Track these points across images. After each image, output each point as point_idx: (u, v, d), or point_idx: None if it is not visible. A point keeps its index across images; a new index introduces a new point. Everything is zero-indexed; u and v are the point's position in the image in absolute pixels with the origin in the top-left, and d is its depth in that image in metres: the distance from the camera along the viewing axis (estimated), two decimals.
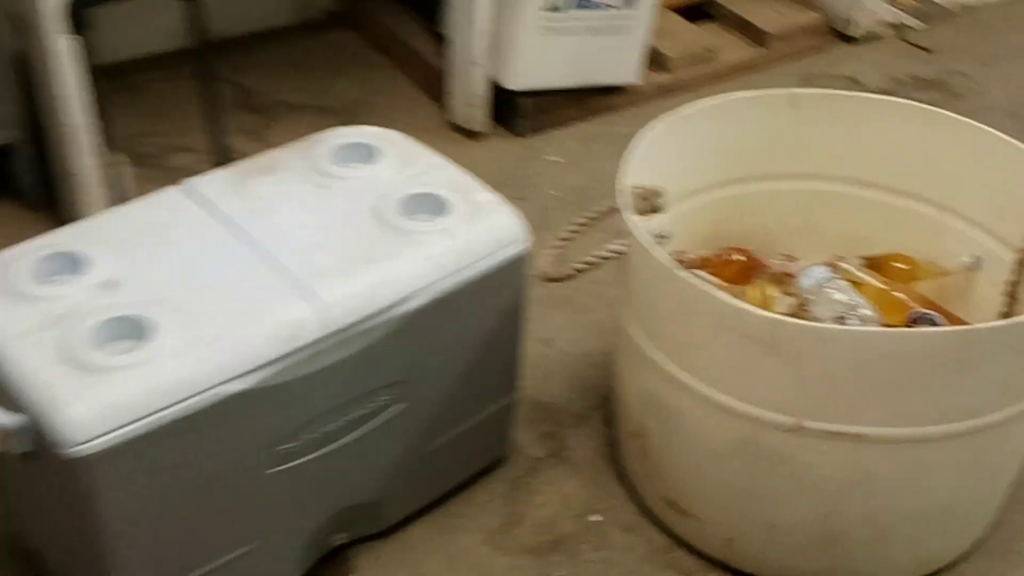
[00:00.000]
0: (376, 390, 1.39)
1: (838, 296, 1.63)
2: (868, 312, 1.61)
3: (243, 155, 2.40)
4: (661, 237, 1.55)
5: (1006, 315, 1.58)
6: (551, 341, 1.88)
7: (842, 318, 1.57)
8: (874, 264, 1.72)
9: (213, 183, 1.46)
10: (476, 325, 1.47)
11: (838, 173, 1.73)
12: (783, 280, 1.72)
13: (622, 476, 1.65)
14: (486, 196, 1.49)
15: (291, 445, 1.33)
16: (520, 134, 2.39)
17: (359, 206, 1.44)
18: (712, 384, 1.38)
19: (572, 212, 2.17)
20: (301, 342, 1.28)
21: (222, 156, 1.96)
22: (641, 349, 1.46)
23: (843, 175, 1.73)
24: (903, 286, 1.66)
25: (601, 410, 1.76)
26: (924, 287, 1.71)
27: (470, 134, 2.38)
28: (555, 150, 2.37)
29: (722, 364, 1.36)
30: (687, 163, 1.67)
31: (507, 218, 1.47)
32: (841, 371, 1.29)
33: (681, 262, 1.65)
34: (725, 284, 1.70)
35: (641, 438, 1.54)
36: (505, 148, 2.37)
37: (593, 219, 1.54)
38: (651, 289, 1.42)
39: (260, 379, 1.26)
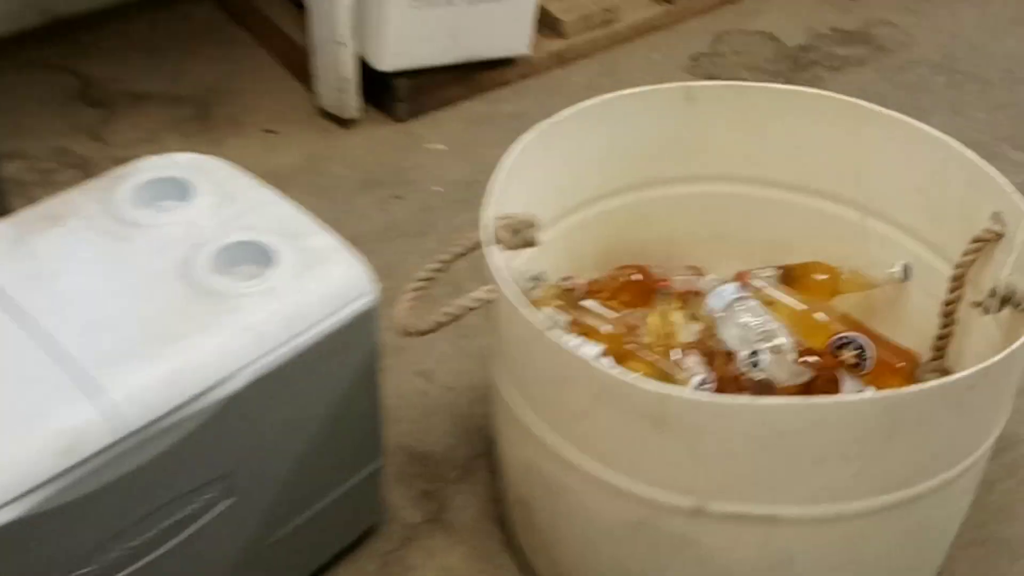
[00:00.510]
0: (194, 491, 1.14)
1: (750, 320, 1.41)
2: (783, 340, 1.38)
3: (81, 159, 2.16)
4: (535, 280, 1.31)
5: (943, 338, 1.37)
6: (431, 374, 1.65)
7: (754, 353, 1.34)
8: (791, 275, 1.50)
9: None
10: (317, 397, 1.23)
11: (746, 174, 1.50)
12: (689, 300, 1.50)
13: (512, 543, 1.42)
14: (322, 240, 1.24)
15: (88, 569, 1.09)
16: (398, 119, 2.13)
17: (164, 263, 1.18)
18: (598, 460, 1.15)
19: (457, 212, 1.92)
20: (85, 453, 1.03)
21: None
22: (517, 414, 1.23)
23: (751, 176, 1.50)
24: (824, 303, 1.44)
25: (488, 457, 1.53)
26: (848, 301, 1.49)
27: (341, 121, 2.11)
28: (438, 136, 2.11)
29: (607, 438, 1.14)
30: (569, 174, 1.43)
31: (348, 267, 1.22)
32: (745, 447, 1.07)
33: (569, 291, 1.42)
34: (618, 313, 1.47)
35: (526, 509, 1.32)
36: (381, 136, 2.11)
37: (459, 255, 1.29)
38: (521, 349, 1.19)
39: (35, 503, 1.01)
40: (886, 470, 1.11)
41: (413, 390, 1.62)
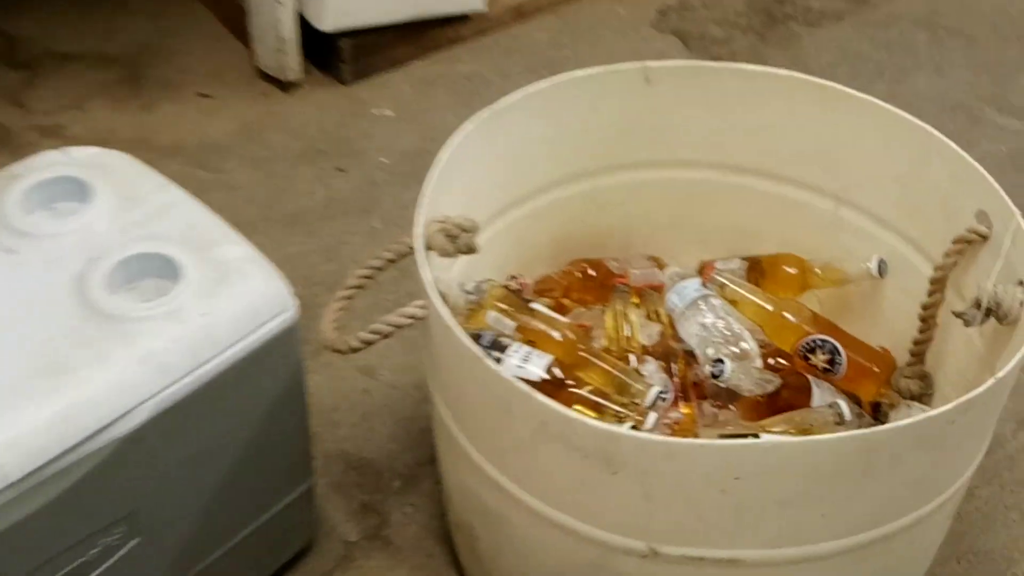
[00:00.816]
0: (94, 534, 1.03)
1: (713, 322, 1.30)
2: (748, 345, 1.28)
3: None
4: (475, 292, 1.19)
5: (921, 342, 1.26)
6: (373, 370, 1.53)
7: (718, 361, 1.23)
8: (759, 267, 1.38)
9: None
10: (233, 425, 1.11)
11: (710, 159, 1.38)
12: (648, 296, 1.38)
13: (457, 564, 1.32)
14: (235, 250, 1.11)
15: None
16: (343, 81, 1.98)
17: (56, 279, 1.05)
18: (542, 498, 1.04)
19: (405, 187, 1.79)
20: None
21: None
22: (455, 438, 1.11)
23: (716, 161, 1.38)
24: (793, 302, 1.33)
25: (435, 465, 1.41)
26: (820, 296, 1.38)
27: (282, 84, 1.96)
28: (386, 100, 1.97)
29: (551, 476, 1.03)
30: (516, 163, 1.31)
31: (264, 281, 1.09)
32: (703, 490, 0.97)
33: (516, 291, 1.30)
34: (571, 312, 1.36)
35: (469, 535, 1.21)
36: (325, 101, 1.96)
37: (390, 261, 1.17)
38: (456, 374, 1.07)
39: None
40: (858, 510, 1.00)
41: (353, 388, 1.50)
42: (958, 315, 1.13)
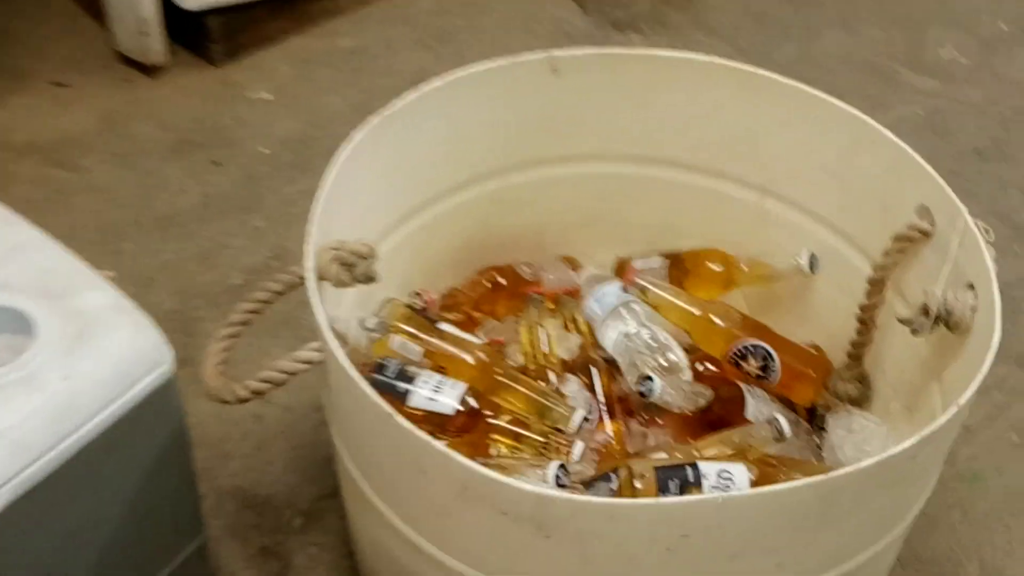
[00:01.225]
0: None
1: (637, 332, 1.19)
2: (676, 357, 1.18)
3: None
4: (376, 330, 1.06)
5: (859, 345, 1.17)
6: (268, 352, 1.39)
7: (646, 379, 1.13)
8: (682, 265, 1.28)
9: None
10: (108, 497, 0.98)
11: (624, 151, 1.27)
12: (563, 304, 1.27)
13: None
14: (98, 296, 0.96)
15: None
16: (213, 63, 1.81)
17: None
18: (466, 562, 0.93)
19: (288, 179, 1.64)
20: None
21: None
22: (364, 494, 0.99)
23: (631, 153, 1.27)
24: (721, 304, 1.22)
25: (339, 498, 1.29)
26: (747, 294, 1.29)
27: (146, 68, 1.79)
28: (262, 82, 1.81)
29: (477, 539, 0.92)
30: (413, 168, 1.18)
31: (134, 332, 0.95)
32: (646, 550, 0.86)
33: (420, 310, 1.17)
34: (484, 328, 1.24)
35: None
36: (194, 85, 1.79)
37: (277, 293, 1.04)
38: (364, 429, 0.95)
39: None
40: (816, 554, 0.92)
41: (244, 414, 1.37)
42: (904, 322, 1.05)
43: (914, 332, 1.03)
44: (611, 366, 1.21)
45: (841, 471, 0.86)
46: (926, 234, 1.07)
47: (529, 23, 1.86)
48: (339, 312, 1.09)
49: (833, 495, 0.86)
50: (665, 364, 1.17)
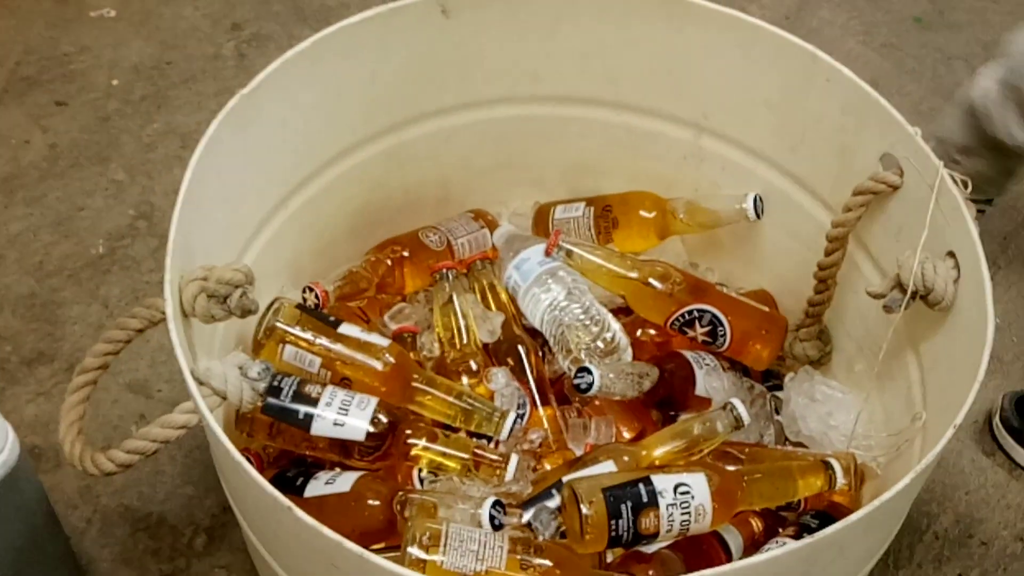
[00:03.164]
0: None
1: (565, 304, 1.04)
2: (613, 336, 1.03)
3: None
4: (262, 379, 0.89)
5: (818, 304, 1.04)
6: (147, 387, 1.22)
7: (585, 371, 0.98)
8: (609, 212, 1.13)
9: None
10: None
11: (533, 92, 1.09)
12: (478, 273, 1.11)
13: None
14: None
15: None
16: None
17: None
18: None
19: (146, 117, 1.43)
20: None
21: None
22: (267, 561, 0.85)
23: (540, 94, 1.10)
24: (659, 264, 1.07)
25: None
26: (686, 239, 1.14)
27: None
28: None
29: None
30: (287, 144, 0.99)
31: None
32: None
33: (313, 309, 1.00)
34: (389, 317, 1.08)
35: None
36: (27, 4, 1.54)
37: (137, 331, 0.86)
38: (254, 507, 0.79)
39: None
40: None
41: (124, 415, 1.20)
42: (875, 297, 0.91)
43: (887, 310, 0.90)
44: (539, 342, 1.07)
45: (827, 532, 0.73)
46: (893, 187, 0.93)
47: None
48: (214, 344, 0.92)
49: (818, 553, 0.73)
50: (601, 346, 1.02)
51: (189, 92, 1.42)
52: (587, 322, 1.03)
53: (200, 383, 0.78)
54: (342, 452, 0.94)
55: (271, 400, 0.93)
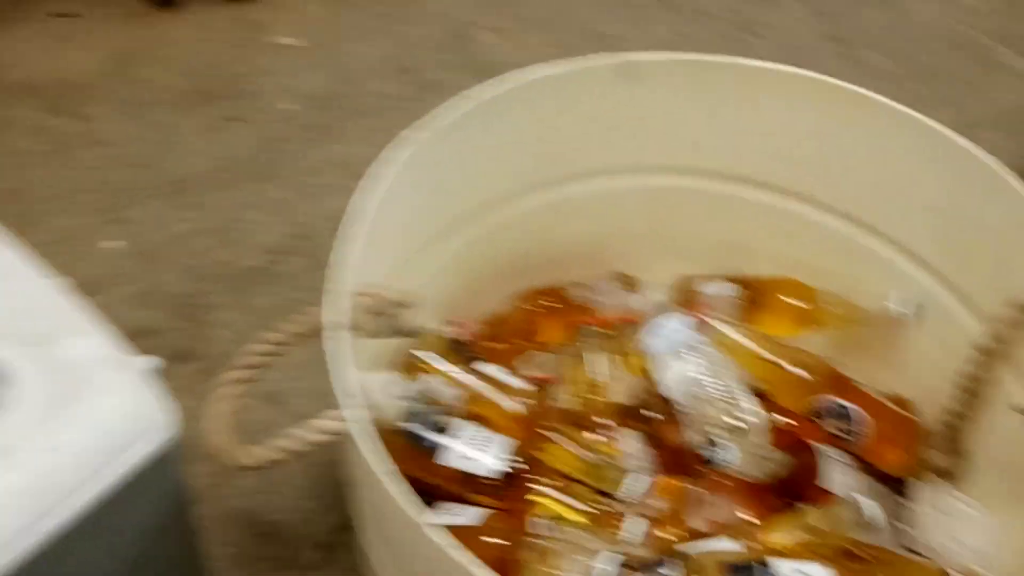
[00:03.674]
0: None
1: (702, 378, 1.05)
2: (748, 416, 1.03)
3: None
4: (416, 399, 0.91)
5: (958, 416, 1.03)
6: (280, 398, 1.26)
7: (712, 443, 0.98)
8: (755, 295, 1.13)
9: None
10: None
11: (697, 164, 1.11)
12: (618, 335, 1.12)
13: None
14: (85, 344, 0.82)
15: None
16: None
17: None
18: None
19: (314, 143, 1.48)
20: None
21: None
22: None
23: (704, 167, 1.11)
24: (805, 353, 1.07)
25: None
26: (831, 338, 1.14)
27: (165, 2, 1.61)
28: (289, 24, 1.63)
29: None
30: (456, 181, 1.02)
31: (128, 392, 0.81)
32: None
33: (457, 343, 1.03)
34: (529, 364, 1.10)
35: None
36: (213, 23, 1.62)
37: (298, 335, 0.89)
38: (391, 528, 0.81)
39: None
40: None
41: (256, 422, 1.22)
42: (1020, 411, 0.90)
43: None
44: (671, 411, 1.08)
45: None
46: None
47: None
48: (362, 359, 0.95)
49: None
50: (733, 423, 1.02)
51: (359, 126, 1.47)
52: (722, 398, 1.03)
53: (351, 395, 0.81)
54: (464, 486, 0.95)
55: (405, 425, 0.95)
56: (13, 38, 1.56)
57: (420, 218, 1.02)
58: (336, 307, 0.83)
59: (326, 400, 1.19)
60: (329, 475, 1.20)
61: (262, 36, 1.61)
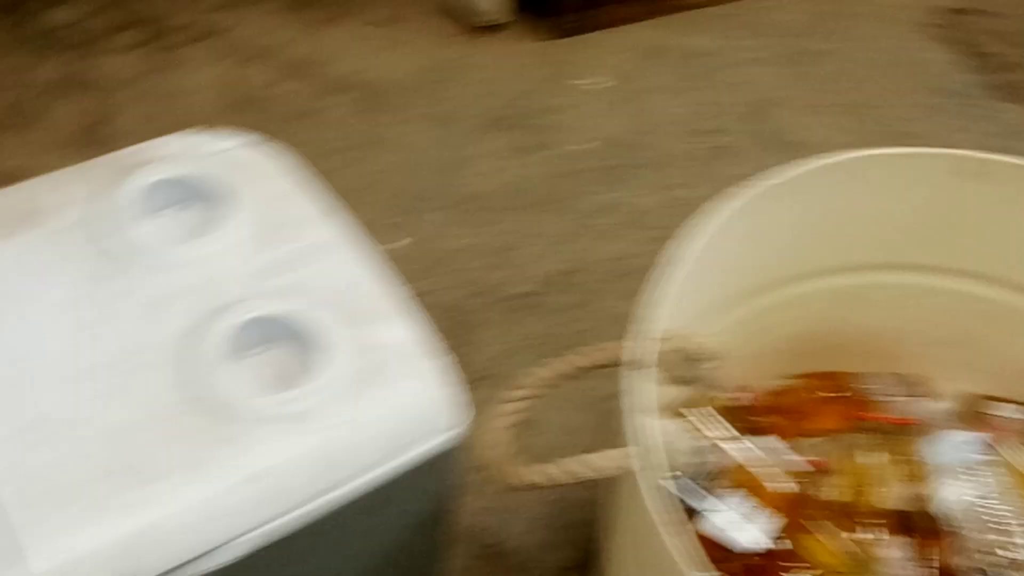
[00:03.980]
0: None
1: (987, 504, 0.98)
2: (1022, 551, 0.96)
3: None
4: (703, 458, 0.89)
5: None
6: (531, 425, 1.25)
7: (983, 572, 0.92)
8: None
9: None
10: (349, 559, 0.85)
11: (1016, 278, 1.04)
12: (898, 436, 1.07)
13: None
14: (397, 332, 0.83)
15: None
16: (552, 34, 1.66)
17: (156, 332, 0.79)
18: None
19: (605, 185, 1.49)
20: None
21: None
22: None
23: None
24: None
25: (589, 573, 1.15)
26: None
27: (478, 29, 1.66)
28: (596, 68, 1.65)
29: None
30: (761, 248, 0.99)
31: (428, 386, 0.81)
32: None
33: (740, 408, 1.00)
34: (800, 444, 1.06)
35: None
36: (524, 56, 1.65)
37: (583, 369, 0.88)
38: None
39: None
40: None
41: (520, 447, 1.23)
42: None
43: None
44: (942, 528, 1.01)
45: None
46: None
47: (896, 62, 1.64)
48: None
49: None
50: (1005, 556, 0.95)
51: (646, 177, 1.47)
52: (998, 527, 0.97)
53: (643, 438, 0.79)
54: (715, 553, 0.92)
55: (679, 480, 0.93)
56: (333, 38, 1.63)
57: (713, 279, 1.00)
58: (642, 347, 0.82)
59: (577, 435, 1.18)
60: (565, 509, 1.19)
61: (567, 75, 1.63)
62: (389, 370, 0.80)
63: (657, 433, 0.83)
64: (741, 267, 0.99)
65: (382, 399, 0.78)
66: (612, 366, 0.87)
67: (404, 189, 1.44)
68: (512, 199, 1.46)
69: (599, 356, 0.89)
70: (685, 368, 0.84)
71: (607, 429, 1.20)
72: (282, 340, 0.81)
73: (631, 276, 1.31)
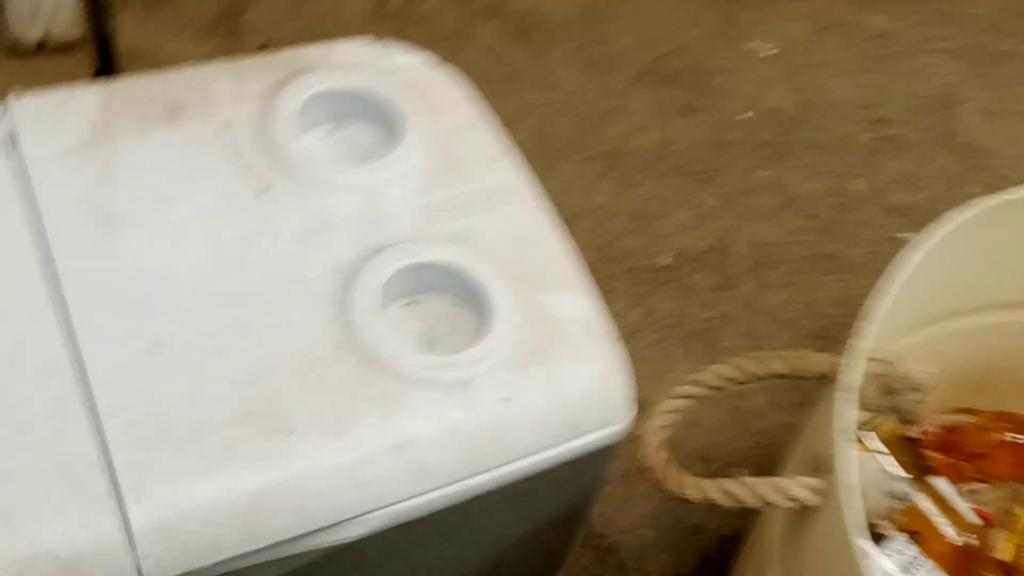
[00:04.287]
0: None
1: None
2: None
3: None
4: (901, 499, 0.78)
5: None
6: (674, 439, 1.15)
7: None
8: None
9: (41, 130, 0.73)
10: (486, 544, 0.77)
11: None
12: None
13: None
14: (572, 301, 0.73)
15: None
16: None
17: (309, 264, 0.70)
18: None
19: (758, 161, 1.37)
20: None
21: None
22: None
23: None
24: None
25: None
26: None
27: None
28: (765, 32, 1.52)
29: None
30: (967, 273, 0.88)
31: (599, 370, 0.71)
32: None
33: (911, 440, 0.89)
34: (976, 488, 0.95)
35: None
36: (691, 6, 1.53)
37: (756, 378, 0.78)
38: None
39: None
40: None
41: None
42: None
43: None
44: None
45: None
46: None
47: None
48: None
49: None
50: None
51: (807, 159, 1.35)
52: None
53: (849, 468, 0.68)
54: None
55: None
56: None
57: (914, 297, 0.88)
58: (854, 368, 0.71)
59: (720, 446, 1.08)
60: (677, 513, 1.09)
61: (737, 34, 1.50)
62: (561, 348, 0.70)
63: (856, 465, 0.73)
64: (949, 286, 0.87)
65: (550, 380, 0.69)
66: (795, 378, 0.77)
67: (542, 132, 1.34)
68: (664, 162, 1.34)
69: (777, 365, 0.78)
70: (881, 395, 0.73)
71: (754, 442, 1.11)
72: (440, 292, 0.71)
73: (776, 265, 1.20)
